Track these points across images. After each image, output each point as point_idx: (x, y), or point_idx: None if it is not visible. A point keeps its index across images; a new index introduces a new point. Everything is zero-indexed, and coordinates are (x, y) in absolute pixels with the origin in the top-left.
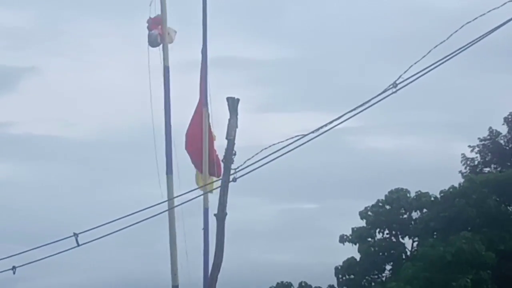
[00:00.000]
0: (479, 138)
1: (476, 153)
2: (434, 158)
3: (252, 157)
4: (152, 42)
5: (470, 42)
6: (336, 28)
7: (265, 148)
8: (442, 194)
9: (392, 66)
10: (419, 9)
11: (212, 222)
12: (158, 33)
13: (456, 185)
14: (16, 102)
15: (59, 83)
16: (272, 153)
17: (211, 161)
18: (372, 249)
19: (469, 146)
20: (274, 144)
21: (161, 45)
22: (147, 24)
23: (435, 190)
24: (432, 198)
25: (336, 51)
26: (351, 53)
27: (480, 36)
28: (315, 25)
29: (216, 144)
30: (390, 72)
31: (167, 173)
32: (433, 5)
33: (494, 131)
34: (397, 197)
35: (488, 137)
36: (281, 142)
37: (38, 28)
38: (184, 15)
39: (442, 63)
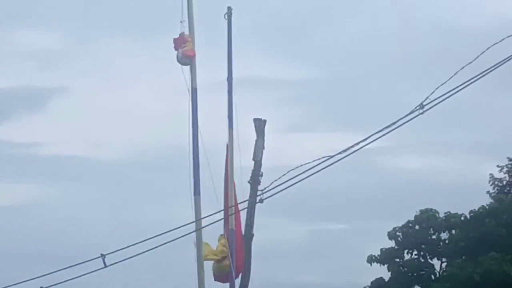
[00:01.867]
0: (508, 158)
1: (505, 173)
2: (462, 178)
3: (279, 178)
4: (180, 61)
5: (496, 64)
6: (364, 48)
7: (292, 169)
8: (471, 214)
9: (421, 84)
10: (448, 28)
11: None
12: (183, 53)
13: (484, 205)
14: (45, 123)
15: (87, 104)
16: (299, 174)
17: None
18: (402, 269)
19: (498, 166)
20: (301, 165)
21: (188, 67)
22: (173, 45)
23: (462, 210)
24: (462, 218)
25: (364, 71)
26: (379, 72)
27: (506, 59)
28: (342, 44)
29: (243, 165)
30: (419, 91)
31: (194, 194)
32: (462, 24)
33: None
34: (426, 218)
35: None
36: (308, 163)
37: (67, 49)
38: (211, 35)
39: (468, 84)
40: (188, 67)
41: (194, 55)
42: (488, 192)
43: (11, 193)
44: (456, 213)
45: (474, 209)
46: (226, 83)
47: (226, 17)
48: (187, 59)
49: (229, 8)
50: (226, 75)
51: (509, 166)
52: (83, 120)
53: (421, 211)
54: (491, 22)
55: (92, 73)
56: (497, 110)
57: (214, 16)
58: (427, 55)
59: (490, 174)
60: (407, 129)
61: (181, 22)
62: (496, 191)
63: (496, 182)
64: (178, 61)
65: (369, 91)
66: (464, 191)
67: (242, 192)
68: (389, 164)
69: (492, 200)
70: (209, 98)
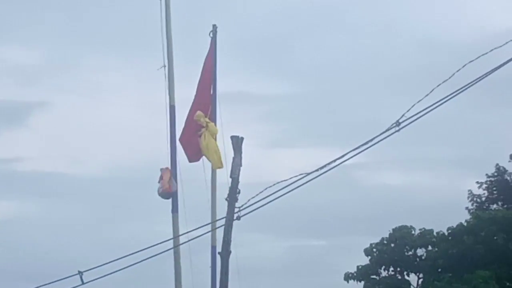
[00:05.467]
0: (486, 175)
1: (484, 189)
2: (441, 194)
3: (256, 195)
4: (161, 195)
5: (470, 83)
6: (345, 64)
7: (269, 187)
8: (449, 231)
9: (402, 100)
10: (431, 44)
11: (220, 260)
12: (162, 187)
13: (463, 221)
14: (25, 138)
15: (68, 119)
16: (276, 191)
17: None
18: (377, 287)
19: (477, 183)
20: (278, 183)
21: (166, 85)
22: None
23: (442, 226)
24: (439, 234)
25: (345, 87)
26: (361, 88)
27: (480, 77)
28: (324, 61)
29: (222, 182)
30: (400, 106)
31: (172, 212)
32: (444, 40)
33: (501, 167)
34: (400, 235)
35: (496, 173)
36: (285, 180)
37: (47, 65)
38: (193, 50)
39: (444, 102)
40: (166, 85)
41: (171, 191)
42: (467, 208)
43: None
44: (431, 230)
45: (452, 226)
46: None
47: (211, 34)
48: (164, 194)
49: (214, 26)
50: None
51: (488, 182)
52: (63, 136)
53: (394, 229)
54: (473, 36)
55: (73, 89)
56: (476, 126)
57: (195, 33)
58: (410, 70)
59: (469, 190)
60: (387, 145)
61: (163, 67)
62: (475, 207)
63: (475, 198)
64: (159, 194)
65: (350, 107)
66: (443, 206)
67: (220, 209)
68: (369, 180)
69: (470, 217)
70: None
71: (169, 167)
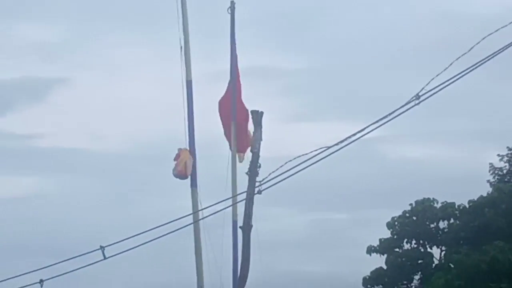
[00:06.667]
0: (507, 147)
1: (505, 162)
2: (463, 167)
3: (277, 169)
4: (175, 176)
5: (489, 56)
6: (364, 38)
7: (290, 160)
8: (471, 204)
9: (422, 74)
10: (449, 16)
11: (241, 234)
12: (176, 169)
13: (484, 194)
14: (45, 114)
15: (88, 95)
16: (297, 165)
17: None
18: (400, 259)
19: (498, 155)
20: (299, 156)
21: (183, 60)
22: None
23: (464, 199)
24: (461, 207)
25: (366, 60)
26: (381, 62)
27: (499, 50)
28: (343, 35)
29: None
30: (420, 79)
31: (191, 186)
32: (462, 11)
33: None
34: (422, 208)
35: None
36: (306, 154)
37: (68, 41)
38: (213, 26)
39: (464, 75)
40: (183, 60)
41: (185, 174)
42: (488, 181)
43: (12, 186)
44: (453, 203)
45: (473, 199)
46: (227, 74)
47: (229, 11)
48: (179, 176)
49: (232, 3)
50: (226, 66)
51: (509, 155)
52: (84, 112)
53: (417, 202)
54: (492, 9)
55: (93, 65)
56: (498, 98)
57: (214, 8)
58: (429, 44)
59: (490, 163)
60: (408, 118)
61: (181, 47)
62: (497, 181)
63: (496, 171)
64: (173, 175)
65: (371, 81)
66: (465, 179)
67: (241, 183)
68: (390, 153)
69: (491, 189)
70: (209, 89)
71: (187, 145)
